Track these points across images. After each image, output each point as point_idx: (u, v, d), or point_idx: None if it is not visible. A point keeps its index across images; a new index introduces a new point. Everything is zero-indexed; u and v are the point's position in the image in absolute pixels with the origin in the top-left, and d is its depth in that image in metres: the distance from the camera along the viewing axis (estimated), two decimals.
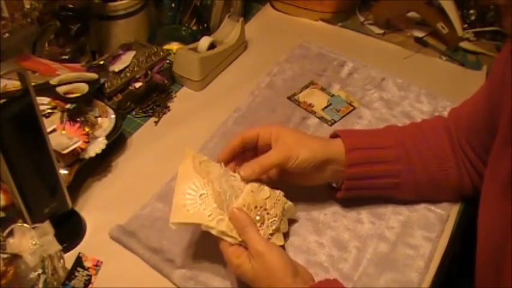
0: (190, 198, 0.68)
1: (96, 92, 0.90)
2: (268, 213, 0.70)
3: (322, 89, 1.04)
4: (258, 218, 0.69)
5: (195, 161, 0.71)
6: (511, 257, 0.60)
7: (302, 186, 0.80)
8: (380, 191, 0.79)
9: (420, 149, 0.78)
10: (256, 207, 0.70)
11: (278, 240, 0.71)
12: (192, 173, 0.70)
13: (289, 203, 0.75)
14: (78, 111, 0.85)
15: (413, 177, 0.78)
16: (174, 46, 1.10)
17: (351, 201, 0.82)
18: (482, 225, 0.67)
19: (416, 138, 0.79)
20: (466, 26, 1.17)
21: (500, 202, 0.63)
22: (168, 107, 1.00)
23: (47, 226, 0.68)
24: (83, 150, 0.80)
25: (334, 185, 0.80)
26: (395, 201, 0.82)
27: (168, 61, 1.02)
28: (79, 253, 0.74)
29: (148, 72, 0.98)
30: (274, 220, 0.70)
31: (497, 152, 0.65)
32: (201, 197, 0.68)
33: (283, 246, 0.72)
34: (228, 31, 1.10)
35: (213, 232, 0.68)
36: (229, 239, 0.68)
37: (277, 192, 0.74)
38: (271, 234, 0.70)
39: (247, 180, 0.72)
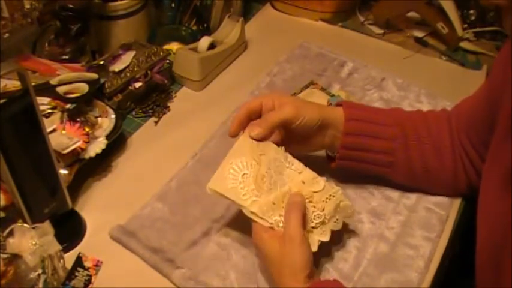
0: (233, 173, 0.70)
1: (96, 92, 0.90)
2: (314, 206, 0.70)
3: (322, 89, 1.03)
4: None
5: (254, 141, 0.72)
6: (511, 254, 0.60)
7: None
8: (373, 166, 0.80)
9: (419, 134, 0.79)
10: None
11: (322, 235, 0.70)
12: (245, 151, 0.71)
13: (347, 201, 0.73)
14: (78, 111, 0.85)
15: (408, 159, 0.79)
16: (174, 46, 1.10)
17: (351, 201, 0.82)
18: (482, 221, 0.67)
19: (417, 123, 0.80)
20: (466, 26, 1.17)
21: (500, 195, 0.63)
22: (168, 107, 1.00)
23: (47, 226, 0.68)
24: (83, 150, 0.80)
25: (329, 153, 0.82)
26: (395, 201, 0.82)
27: (168, 61, 1.02)
28: (79, 253, 0.74)
29: (148, 72, 0.98)
30: (319, 214, 0.70)
31: (496, 146, 0.66)
32: (243, 176, 0.70)
33: (326, 243, 0.71)
34: (228, 31, 1.11)
35: (245, 211, 0.69)
36: (259, 220, 0.68)
37: (335, 188, 0.72)
38: (313, 228, 0.69)
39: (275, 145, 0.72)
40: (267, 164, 0.71)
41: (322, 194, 0.71)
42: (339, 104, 0.81)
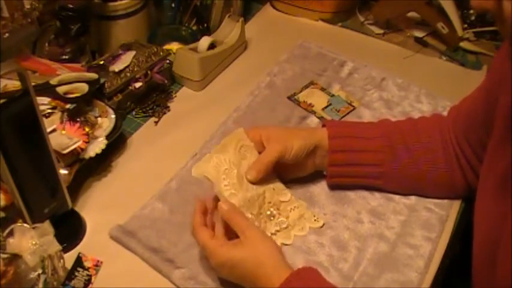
0: (215, 164, 0.74)
1: (96, 92, 0.89)
2: (279, 214, 0.77)
3: (322, 89, 1.04)
4: (268, 212, 0.76)
5: (239, 143, 0.77)
6: (507, 251, 0.59)
7: (303, 187, 0.82)
8: (365, 179, 0.81)
9: (407, 141, 0.80)
10: (270, 202, 0.77)
11: (286, 239, 0.76)
12: (229, 150, 0.76)
13: (310, 213, 0.79)
14: (78, 111, 0.85)
15: (398, 167, 0.80)
16: (174, 46, 1.10)
17: (351, 201, 0.82)
18: (478, 223, 0.67)
19: (405, 131, 0.81)
20: (466, 26, 1.17)
21: (497, 196, 0.63)
22: (168, 107, 1.00)
23: (47, 226, 0.68)
24: (83, 150, 0.80)
25: (324, 172, 0.84)
26: (396, 201, 0.82)
27: (168, 61, 1.02)
28: (79, 253, 0.74)
29: (148, 72, 0.98)
30: (283, 220, 0.77)
31: (493, 150, 0.66)
32: (225, 171, 0.74)
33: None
34: (228, 31, 1.10)
35: (220, 194, 0.72)
36: None
37: (300, 202, 0.80)
38: (277, 231, 0.76)
39: (255, 181, 0.76)
40: (245, 168, 0.76)
41: (288, 204, 0.78)
42: (324, 125, 0.83)
